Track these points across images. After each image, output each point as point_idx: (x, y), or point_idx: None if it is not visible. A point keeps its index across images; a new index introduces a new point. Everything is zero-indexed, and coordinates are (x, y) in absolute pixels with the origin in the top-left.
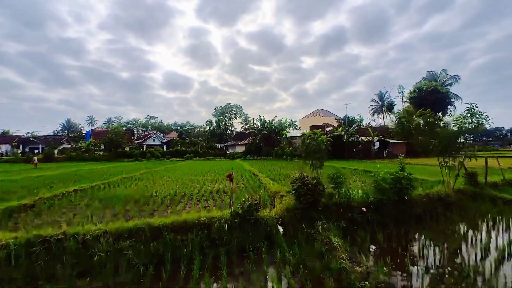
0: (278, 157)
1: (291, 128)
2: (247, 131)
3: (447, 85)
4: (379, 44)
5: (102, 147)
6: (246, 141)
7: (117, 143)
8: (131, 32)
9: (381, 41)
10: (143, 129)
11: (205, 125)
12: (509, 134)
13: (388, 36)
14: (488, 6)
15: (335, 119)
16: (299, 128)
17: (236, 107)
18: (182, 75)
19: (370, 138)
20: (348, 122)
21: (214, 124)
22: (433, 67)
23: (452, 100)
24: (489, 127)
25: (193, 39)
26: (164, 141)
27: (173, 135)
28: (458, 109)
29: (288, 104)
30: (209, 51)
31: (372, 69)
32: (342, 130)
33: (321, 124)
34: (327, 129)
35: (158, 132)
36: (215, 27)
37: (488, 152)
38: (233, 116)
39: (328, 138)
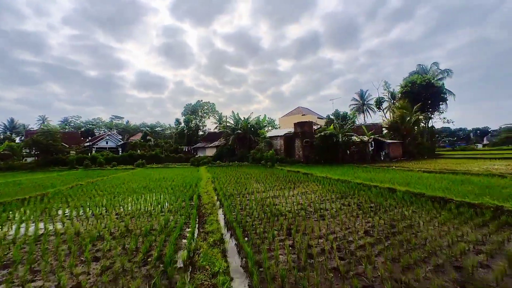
0: (255, 162)
1: (270, 128)
2: (220, 131)
3: (438, 79)
4: (350, 50)
5: (31, 151)
6: (217, 143)
7: (46, 147)
8: (99, 28)
9: (352, 47)
10: (106, 130)
11: (171, 125)
12: (471, 134)
13: (358, 42)
14: (445, 18)
15: (318, 117)
16: (279, 127)
17: (208, 105)
18: (155, 75)
19: (365, 138)
20: (341, 118)
21: (183, 124)
22: (398, 72)
23: (446, 96)
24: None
25: (168, 38)
26: (120, 143)
27: (138, 137)
28: (450, 106)
29: (265, 106)
30: (184, 50)
31: (345, 73)
32: (334, 128)
33: (307, 120)
34: (314, 127)
35: (115, 133)
36: (190, 26)
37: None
38: (205, 115)
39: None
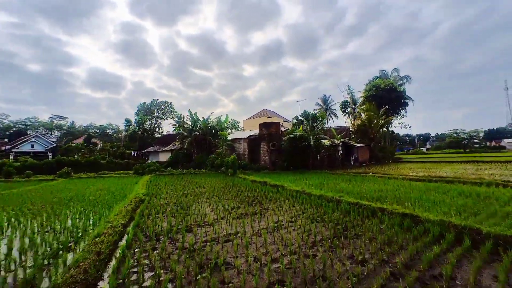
0: (215, 169)
1: (233, 130)
2: (176, 133)
3: (399, 85)
4: (311, 60)
5: None
6: (172, 147)
7: None
8: (44, 17)
9: (313, 57)
10: (46, 132)
11: (118, 126)
12: (415, 139)
13: (319, 53)
14: (392, 36)
15: (284, 121)
16: (243, 130)
17: (166, 104)
18: (112, 74)
19: (335, 142)
20: (312, 119)
21: (135, 125)
22: (355, 82)
23: (407, 101)
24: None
25: (126, 35)
26: (51, 147)
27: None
28: (409, 112)
29: (230, 109)
30: (144, 49)
31: (306, 81)
32: (304, 130)
33: (274, 121)
34: (282, 128)
35: (48, 135)
36: (152, 25)
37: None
38: (162, 115)
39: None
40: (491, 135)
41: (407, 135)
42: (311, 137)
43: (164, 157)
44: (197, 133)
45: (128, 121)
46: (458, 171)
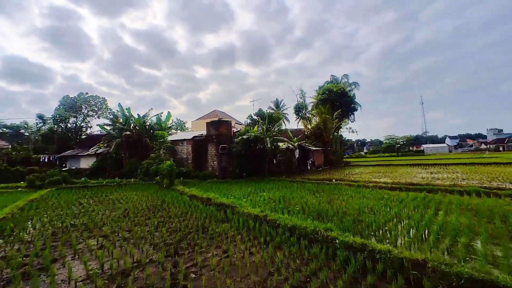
0: (149, 178)
1: (179, 131)
2: (104, 134)
3: (349, 90)
4: (263, 66)
5: None
6: (99, 149)
7: None
8: None
9: (265, 64)
10: None
11: (27, 123)
12: (355, 144)
13: (270, 61)
14: (334, 51)
15: (237, 123)
16: (191, 131)
17: (96, 100)
18: (36, 64)
19: (292, 145)
20: (268, 118)
21: (53, 123)
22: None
23: (356, 107)
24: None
25: (57, 20)
26: None
27: None
28: (356, 117)
29: (180, 112)
30: (80, 40)
31: (258, 87)
32: (258, 130)
33: (225, 120)
34: (234, 129)
35: None
36: (90, 13)
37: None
38: (92, 113)
39: None
40: (411, 141)
41: (348, 140)
42: (267, 138)
43: (87, 163)
44: (128, 132)
45: (40, 117)
46: (417, 175)
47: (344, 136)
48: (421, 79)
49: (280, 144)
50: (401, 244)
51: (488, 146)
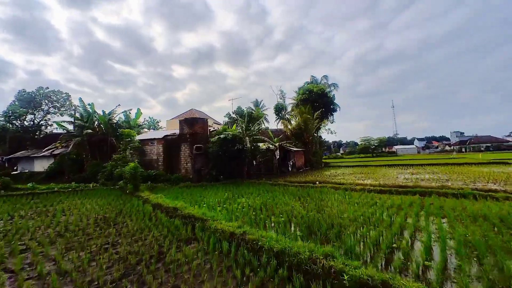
0: (113, 183)
1: (152, 130)
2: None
3: (329, 91)
4: (243, 68)
5: None
6: (56, 150)
7: None
8: None
9: (245, 66)
10: None
11: None
12: (331, 146)
13: (250, 63)
14: (312, 56)
15: (215, 123)
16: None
17: (59, 96)
18: None
19: (272, 146)
20: (248, 117)
21: (2, 120)
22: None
23: (335, 107)
24: None
25: (19, 9)
26: None
27: None
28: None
29: (157, 112)
30: (46, 32)
31: (238, 88)
32: (237, 129)
33: (201, 118)
34: (211, 128)
35: None
36: (58, 3)
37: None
38: (54, 109)
39: None
40: (384, 142)
41: (326, 141)
42: (247, 138)
43: (42, 166)
44: (90, 131)
45: None
46: (399, 176)
47: (322, 137)
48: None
49: (260, 144)
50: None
51: (452, 147)
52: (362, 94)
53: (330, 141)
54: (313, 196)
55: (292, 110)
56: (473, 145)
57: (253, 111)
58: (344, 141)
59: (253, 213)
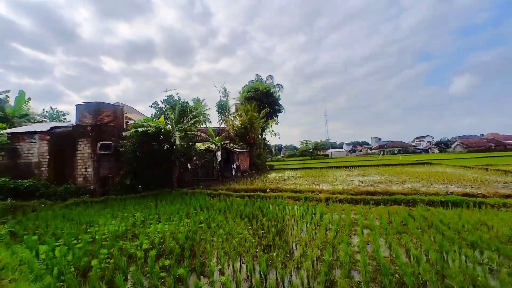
0: None
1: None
2: None
3: (275, 91)
4: (185, 67)
5: None
6: None
7: None
8: None
9: (187, 65)
10: None
11: None
12: (273, 149)
13: (192, 63)
14: (253, 63)
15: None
16: None
17: None
18: None
19: (213, 145)
20: (181, 107)
21: None
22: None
23: (280, 108)
24: None
25: None
26: None
27: None
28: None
29: None
30: None
31: (179, 88)
32: (165, 122)
33: (111, 103)
34: (130, 121)
35: None
36: None
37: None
38: None
39: None
40: (321, 145)
41: (269, 143)
42: (176, 133)
43: None
44: None
45: None
46: (352, 180)
47: (266, 139)
48: (322, 95)
49: (198, 144)
50: None
51: (373, 151)
52: (300, 102)
53: (272, 144)
54: (269, 214)
55: (237, 110)
56: (389, 148)
57: (189, 105)
58: (284, 145)
59: (165, 262)
